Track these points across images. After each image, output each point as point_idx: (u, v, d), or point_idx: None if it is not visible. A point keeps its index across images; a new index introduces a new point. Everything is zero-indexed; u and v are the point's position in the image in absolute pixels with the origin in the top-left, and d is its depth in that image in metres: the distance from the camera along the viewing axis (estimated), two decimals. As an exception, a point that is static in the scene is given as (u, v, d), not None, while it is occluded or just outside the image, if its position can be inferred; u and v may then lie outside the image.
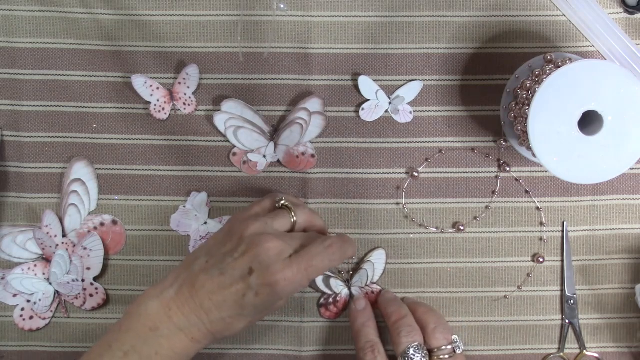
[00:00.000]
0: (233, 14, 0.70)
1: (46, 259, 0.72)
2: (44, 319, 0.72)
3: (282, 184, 0.72)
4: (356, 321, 0.69)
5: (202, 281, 0.60)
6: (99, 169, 0.72)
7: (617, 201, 0.71)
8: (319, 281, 0.71)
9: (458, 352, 0.66)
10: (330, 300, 0.72)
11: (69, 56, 0.71)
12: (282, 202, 0.65)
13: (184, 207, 0.72)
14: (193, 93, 0.71)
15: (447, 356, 0.65)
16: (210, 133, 0.71)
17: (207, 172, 0.72)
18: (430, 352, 0.65)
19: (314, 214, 0.67)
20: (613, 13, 0.69)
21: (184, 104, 0.71)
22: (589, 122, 0.60)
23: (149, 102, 0.71)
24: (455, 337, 0.66)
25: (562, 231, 0.71)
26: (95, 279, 0.72)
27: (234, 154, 0.71)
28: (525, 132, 0.61)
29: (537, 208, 0.71)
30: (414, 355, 0.63)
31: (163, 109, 0.71)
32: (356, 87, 0.70)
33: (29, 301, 0.72)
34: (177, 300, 0.60)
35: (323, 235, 0.66)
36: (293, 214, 0.65)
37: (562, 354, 0.72)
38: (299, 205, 0.67)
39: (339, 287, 0.72)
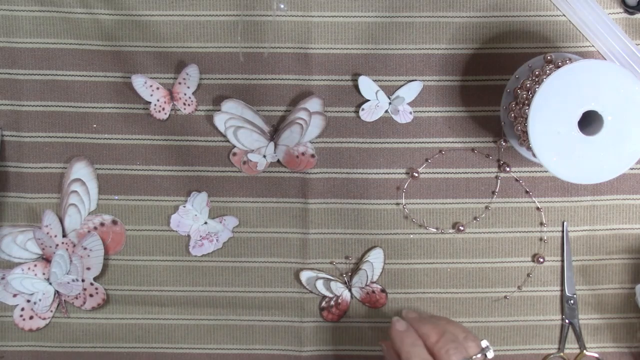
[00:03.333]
0: (233, 14, 0.70)
1: (46, 259, 0.72)
2: (44, 319, 0.72)
3: (282, 184, 0.72)
4: (404, 342, 0.64)
5: None
6: (99, 169, 0.72)
7: (617, 201, 0.71)
8: (320, 285, 0.71)
9: (490, 356, 0.63)
10: (332, 303, 0.72)
11: (69, 56, 0.71)
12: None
13: (184, 207, 0.72)
14: (193, 93, 0.71)
15: None
16: (210, 133, 0.71)
17: (207, 172, 0.72)
18: None
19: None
20: (613, 13, 0.69)
21: (184, 104, 0.71)
22: (589, 122, 0.60)
23: (149, 102, 0.71)
24: (484, 342, 0.65)
25: (562, 231, 0.71)
26: (95, 279, 0.72)
27: (234, 154, 0.71)
28: (525, 132, 0.61)
29: (537, 208, 0.71)
30: None
31: (163, 109, 0.71)
32: (356, 87, 0.70)
33: (29, 301, 0.72)
34: None
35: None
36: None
37: (562, 354, 0.72)
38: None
39: (340, 289, 0.72)
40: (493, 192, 0.71)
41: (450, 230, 0.72)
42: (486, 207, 0.71)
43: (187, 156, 0.72)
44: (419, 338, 0.64)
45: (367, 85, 0.70)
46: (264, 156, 0.71)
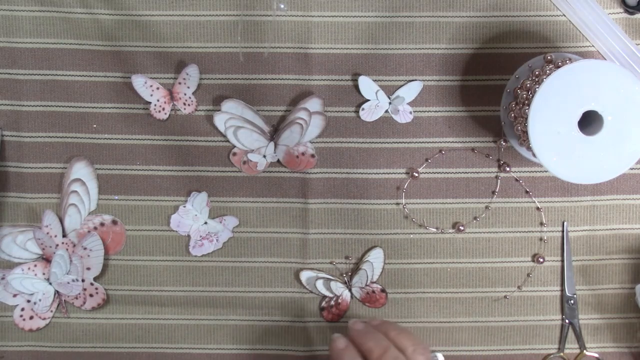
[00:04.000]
0: (233, 14, 0.70)
1: (46, 259, 0.72)
2: (44, 319, 0.72)
3: (282, 184, 0.72)
4: None
5: None
6: (99, 169, 0.72)
7: (617, 201, 0.71)
8: (320, 284, 0.71)
9: None
10: (332, 302, 0.72)
11: (69, 56, 0.71)
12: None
13: (184, 207, 0.72)
14: (193, 93, 0.71)
15: None
16: (210, 133, 0.71)
17: (207, 172, 0.72)
18: None
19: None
20: (613, 13, 0.69)
21: (184, 104, 0.71)
22: (589, 122, 0.60)
23: (149, 102, 0.71)
24: (433, 355, 0.64)
25: (562, 231, 0.71)
26: (95, 279, 0.72)
27: (234, 154, 0.71)
28: (525, 132, 0.61)
29: (537, 208, 0.71)
30: None
31: (163, 109, 0.71)
32: (356, 87, 0.70)
33: (29, 301, 0.72)
34: None
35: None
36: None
37: (562, 354, 0.72)
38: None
39: (340, 289, 0.72)
40: (493, 192, 0.71)
41: (450, 230, 0.72)
42: (486, 207, 0.71)
43: (187, 156, 0.72)
44: (358, 356, 0.62)
45: (367, 85, 0.70)
46: (264, 156, 0.71)
